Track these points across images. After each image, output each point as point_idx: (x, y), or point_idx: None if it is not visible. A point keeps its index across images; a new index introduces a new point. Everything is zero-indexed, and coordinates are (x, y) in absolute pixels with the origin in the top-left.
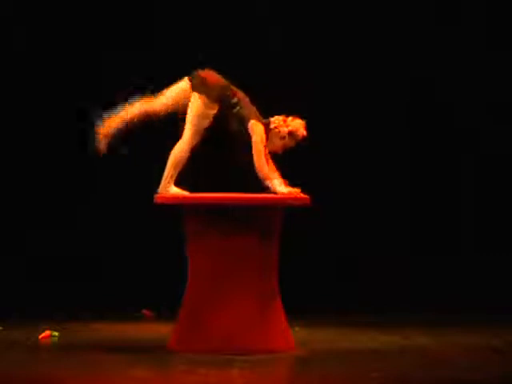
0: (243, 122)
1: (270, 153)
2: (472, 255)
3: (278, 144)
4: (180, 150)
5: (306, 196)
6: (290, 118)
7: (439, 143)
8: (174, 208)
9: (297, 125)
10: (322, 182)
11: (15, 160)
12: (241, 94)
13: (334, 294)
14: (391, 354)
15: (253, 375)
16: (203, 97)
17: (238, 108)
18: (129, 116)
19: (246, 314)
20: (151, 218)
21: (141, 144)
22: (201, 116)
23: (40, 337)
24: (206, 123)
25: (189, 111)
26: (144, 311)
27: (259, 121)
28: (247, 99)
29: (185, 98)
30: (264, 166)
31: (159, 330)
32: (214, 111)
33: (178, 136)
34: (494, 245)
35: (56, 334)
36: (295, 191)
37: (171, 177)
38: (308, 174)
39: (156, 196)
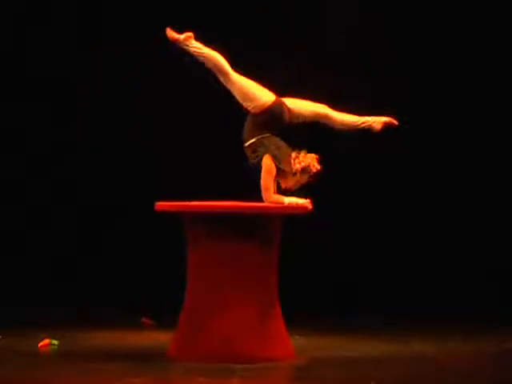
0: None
1: (283, 190)
2: (468, 262)
3: (291, 181)
4: (219, 57)
5: (309, 206)
6: (303, 154)
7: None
8: (175, 216)
9: (308, 160)
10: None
11: (15, 160)
12: (275, 142)
13: (334, 301)
14: (390, 362)
15: None
16: (267, 100)
17: (261, 139)
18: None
19: (246, 322)
20: (152, 225)
21: (141, 145)
22: (248, 90)
23: (40, 345)
24: (245, 93)
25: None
26: (143, 320)
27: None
28: (282, 143)
29: (253, 100)
30: (270, 197)
31: (159, 338)
32: (256, 103)
33: (180, 142)
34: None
35: (55, 342)
36: (302, 202)
37: (199, 46)
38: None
39: (156, 204)
